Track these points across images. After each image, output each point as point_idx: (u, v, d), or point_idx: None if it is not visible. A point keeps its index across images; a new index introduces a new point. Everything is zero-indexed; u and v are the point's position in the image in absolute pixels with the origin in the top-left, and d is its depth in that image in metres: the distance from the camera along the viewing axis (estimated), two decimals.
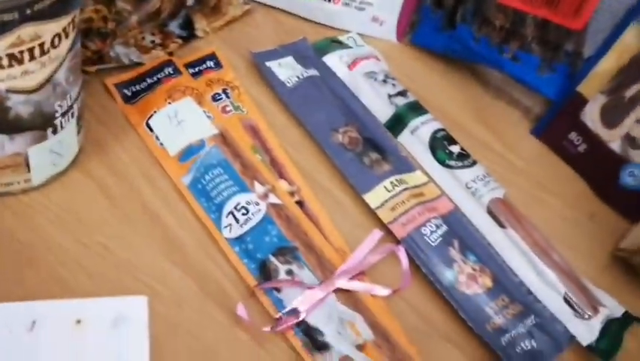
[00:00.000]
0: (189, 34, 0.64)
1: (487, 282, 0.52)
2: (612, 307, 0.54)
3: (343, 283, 0.48)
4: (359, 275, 0.49)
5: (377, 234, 0.51)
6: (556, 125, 0.66)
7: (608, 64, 0.61)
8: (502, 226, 0.56)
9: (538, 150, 0.67)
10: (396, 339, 0.47)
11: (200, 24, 0.65)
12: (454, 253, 0.53)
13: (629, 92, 0.60)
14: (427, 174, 0.59)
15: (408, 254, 0.51)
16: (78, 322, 0.43)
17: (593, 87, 0.63)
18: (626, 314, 0.54)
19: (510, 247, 0.55)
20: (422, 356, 0.47)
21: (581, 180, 0.65)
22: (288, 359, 0.46)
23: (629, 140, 0.61)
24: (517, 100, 0.69)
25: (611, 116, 0.62)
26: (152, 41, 0.62)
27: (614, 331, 0.52)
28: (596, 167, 0.64)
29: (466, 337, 0.50)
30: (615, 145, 0.62)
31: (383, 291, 0.48)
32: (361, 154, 0.58)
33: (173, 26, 0.64)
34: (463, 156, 0.60)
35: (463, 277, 0.52)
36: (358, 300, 0.48)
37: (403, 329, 0.48)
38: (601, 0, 0.60)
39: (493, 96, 0.69)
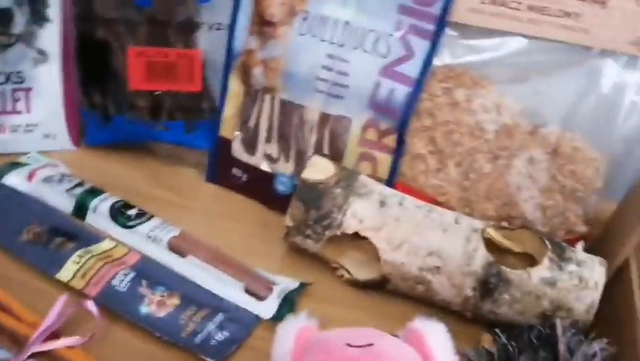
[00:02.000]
0: None
1: (176, 301, 0.60)
2: (287, 283, 0.65)
3: (36, 347, 0.53)
4: (53, 336, 0.55)
5: (62, 299, 0.57)
6: (220, 167, 0.78)
7: (230, 108, 0.75)
8: (183, 255, 0.65)
9: (216, 191, 0.78)
10: None
11: None
12: (143, 289, 0.61)
13: (251, 123, 0.74)
14: (115, 239, 0.67)
15: (104, 304, 0.58)
16: None
17: (230, 129, 0.76)
18: (301, 284, 0.65)
19: (193, 269, 0.64)
20: None
21: (253, 201, 0.76)
22: None
23: (268, 157, 0.75)
24: (187, 159, 0.80)
25: (249, 145, 0.75)
26: None
27: (290, 299, 0.63)
28: (258, 187, 0.76)
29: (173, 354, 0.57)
30: (264, 165, 0.75)
31: (75, 341, 0.54)
32: (47, 242, 0.64)
33: None
34: (140, 215, 0.69)
35: (154, 305, 0.60)
36: (58, 356, 0.54)
37: None
38: (209, 62, 0.74)
39: (167, 163, 0.80)
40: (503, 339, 0.56)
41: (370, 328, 0.50)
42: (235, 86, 0.73)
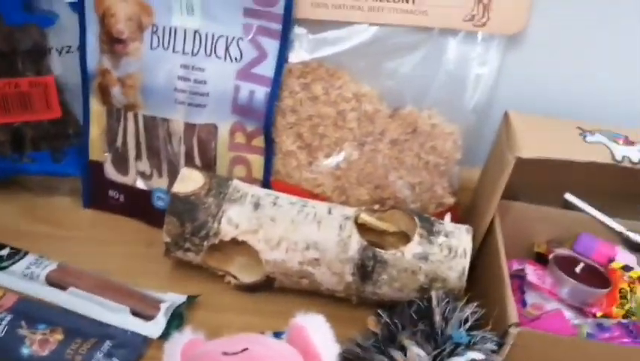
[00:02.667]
0: None
1: (59, 337, 0.59)
2: (174, 299, 0.64)
3: None
4: None
5: None
6: (95, 192, 0.76)
7: (95, 131, 0.73)
8: (63, 288, 0.63)
9: (95, 217, 0.76)
10: None
11: None
12: (23, 331, 0.59)
13: (119, 143, 0.73)
14: None
15: None
16: None
17: (99, 151, 0.74)
18: (188, 297, 0.64)
19: (76, 300, 0.62)
20: None
21: (135, 221, 0.75)
22: None
23: (142, 175, 0.73)
24: (61, 188, 0.78)
25: (121, 165, 0.74)
26: None
27: (178, 314, 0.62)
28: (138, 206, 0.75)
29: None
30: (139, 183, 0.74)
31: None
32: None
33: None
34: (13, 254, 0.66)
35: (36, 345, 0.58)
36: None
37: None
38: (66, 87, 0.72)
39: (40, 195, 0.77)
40: (385, 318, 0.58)
41: (248, 333, 0.50)
42: (96, 107, 0.71)
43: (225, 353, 0.46)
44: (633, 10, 0.67)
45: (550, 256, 0.66)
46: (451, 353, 0.53)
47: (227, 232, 0.62)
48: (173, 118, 0.69)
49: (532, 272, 0.65)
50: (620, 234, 0.68)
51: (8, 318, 0.60)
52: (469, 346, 0.54)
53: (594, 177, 0.67)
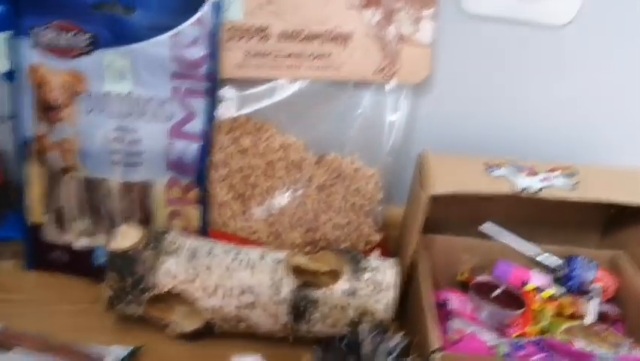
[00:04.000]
0: None
1: None
2: (118, 352, 0.65)
3: None
4: None
5: None
6: (37, 253, 0.77)
7: (35, 194, 0.75)
8: (8, 349, 0.64)
9: (39, 278, 0.77)
10: None
11: None
12: None
13: (59, 204, 0.75)
14: None
15: None
16: None
17: (38, 214, 0.76)
18: (132, 349, 0.66)
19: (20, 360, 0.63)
20: None
21: (78, 279, 0.76)
22: None
23: (83, 233, 0.75)
24: (3, 252, 0.78)
25: (61, 226, 0.76)
26: None
27: None
28: (80, 264, 0.76)
29: None
30: (80, 242, 0.76)
31: None
32: None
33: None
34: None
35: None
36: None
37: None
38: (5, 154, 0.73)
39: None
40: (319, 353, 0.61)
41: None
42: (35, 171, 0.73)
43: None
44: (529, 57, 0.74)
45: (470, 284, 0.70)
46: None
47: (165, 282, 0.65)
48: (110, 178, 0.72)
49: (454, 300, 0.69)
50: (533, 258, 0.73)
51: None
52: None
53: (513, 207, 0.72)
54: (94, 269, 0.75)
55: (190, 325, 0.68)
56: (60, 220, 0.75)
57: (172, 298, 0.67)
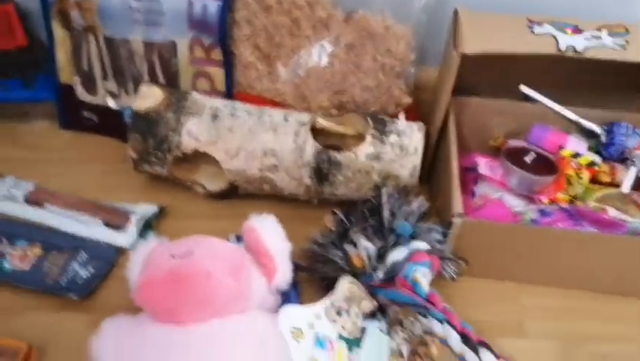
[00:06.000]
0: None
1: (38, 252, 0.61)
2: (145, 210, 0.66)
3: None
4: None
5: None
6: (69, 113, 0.76)
7: (62, 55, 0.73)
8: (41, 206, 0.65)
9: (72, 138, 0.77)
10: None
11: None
12: (3, 246, 0.61)
13: (85, 65, 0.72)
14: None
15: None
16: None
17: (68, 74, 0.74)
18: (159, 207, 0.66)
19: (53, 217, 0.64)
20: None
21: (110, 139, 0.76)
22: None
23: (111, 94, 0.74)
24: (36, 112, 0.78)
25: (90, 86, 0.74)
26: None
27: (149, 223, 0.64)
28: (110, 124, 0.75)
29: (34, 296, 0.58)
30: (109, 103, 0.74)
31: None
32: None
33: None
34: None
35: (16, 260, 0.60)
36: None
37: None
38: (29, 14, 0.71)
39: (17, 121, 0.78)
40: (340, 216, 0.60)
41: (199, 236, 0.52)
42: (59, 32, 0.71)
43: (172, 256, 0.47)
44: None
45: (503, 148, 0.66)
46: (396, 244, 0.54)
47: (188, 144, 0.63)
48: (132, 38, 0.68)
49: (484, 165, 0.65)
50: (572, 122, 0.68)
51: None
52: (414, 237, 0.55)
53: (551, 69, 0.66)
54: (123, 129, 0.74)
55: (215, 185, 0.67)
56: (89, 81, 0.73)
57: (197, 158, 0.66)
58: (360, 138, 0.67)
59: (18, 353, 0.52)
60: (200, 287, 0.45)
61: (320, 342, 0.50)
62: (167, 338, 0.45)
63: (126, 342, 0.47)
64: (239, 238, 0.60)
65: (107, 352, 0.47)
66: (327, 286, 0.56)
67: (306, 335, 0.49)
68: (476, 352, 0.47)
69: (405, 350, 0.52)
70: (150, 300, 0.46)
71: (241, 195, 0.68)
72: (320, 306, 0.52)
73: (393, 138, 0.62)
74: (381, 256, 0.55)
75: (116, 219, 0.64)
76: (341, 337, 0.51)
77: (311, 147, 0.62)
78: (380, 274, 0.54)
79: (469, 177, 0.65)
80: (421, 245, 0.54)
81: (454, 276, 0.58)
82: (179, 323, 0.46)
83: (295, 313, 0.50)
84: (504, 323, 0.58)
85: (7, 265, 0.60)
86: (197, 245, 0.49)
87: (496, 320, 0.58)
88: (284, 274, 0.52)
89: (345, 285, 0.54)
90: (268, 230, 0.52)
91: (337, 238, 0.59)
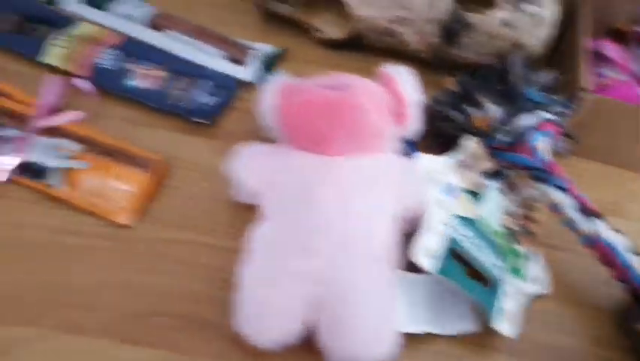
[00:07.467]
0: None
1: (162, 73, 0.62)
2: (265, 48, 0.66)
3: (41, 122, 0.55)
4: (55, 112, 0.57)
5: (54, 79, 0.58)
6: None
7: None
8: (164, 31, 0.65)
9: None
10: (103, 141, 0.56)
11: None
12: (131, 65, 0.62)
13: None
14: (92, 21, 0.66)
15: (93, 82, 0.59)
16: None
17: None
18: (279, 49, 0.66)
19: (175, 43, 0.64)
20: (131, 142, 0.56)
21: None
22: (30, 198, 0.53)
23: None
24: None
25: None
26: None
27: (269, 62, 0.64)
28: None
29: (158, 116, 0.60)
30: None
31: (76, 115, 0.56)
32: (26, 30, 0.63)
33: None
34: None
35: (141, 79, 0.61)
36: (61, 129, 0.56)
37: (110, 134, 0.57)
38: None
39: None
40: (465, 78, 0.59)
41: (345, 73, 0.52)
42: None
43: (326, 87, 0.48)
44: None
45: (630, 32, 0.64)
46: (523, 110, 0.54)
47: None
48: None
49: (611, 49, 0.63)
50: None
51: (117, 53, 0.62)
52: (540, 106, 0.55)
53: None
54: None
55: (337, 32, 0.66)
56: None
57: (322, 5, 0.64)
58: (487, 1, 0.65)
59: (150, 164, 0.54)
60: (356, 120, 0.46)
61: (448, 189, 0.51)
62: (311, 162, 0.47)
63: (269, 164, 0.48)
64: None
65: (250, 171, 0.48)
66: (441, 144, 0.57)
67: (437, 181, 0.51)
68: (593, 219, 0.49)
69: (516, 211, 0.54)
70: (305, 122, 0.47)
71: (358, 47, 0.67)
72: (449, 158, 0.53)
73: (528, 6, 0.60)
74: (503, 121, 0.55)
75: (238, 54, 0.64)
76: (465, 190, 0.53)
77: (445, 3, 0.60)
78: (504, 138, 0.55)
79: (593, 58, 0.63)
80: (547, 115, 0.54)
81: (564, 153, 0.58)
82: (324, 152, 0.47)
83: (428, 160, 0.51)
84: (606, 205, 0.58)
85: (131, 82, 0.60)
86: (352, 80, 0.49)
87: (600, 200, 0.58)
88: (415, 124, 0.52)
89: (472, 143, 0.54)
90: (404, 79, 0.52)
91: (458, 99, 0.58)
